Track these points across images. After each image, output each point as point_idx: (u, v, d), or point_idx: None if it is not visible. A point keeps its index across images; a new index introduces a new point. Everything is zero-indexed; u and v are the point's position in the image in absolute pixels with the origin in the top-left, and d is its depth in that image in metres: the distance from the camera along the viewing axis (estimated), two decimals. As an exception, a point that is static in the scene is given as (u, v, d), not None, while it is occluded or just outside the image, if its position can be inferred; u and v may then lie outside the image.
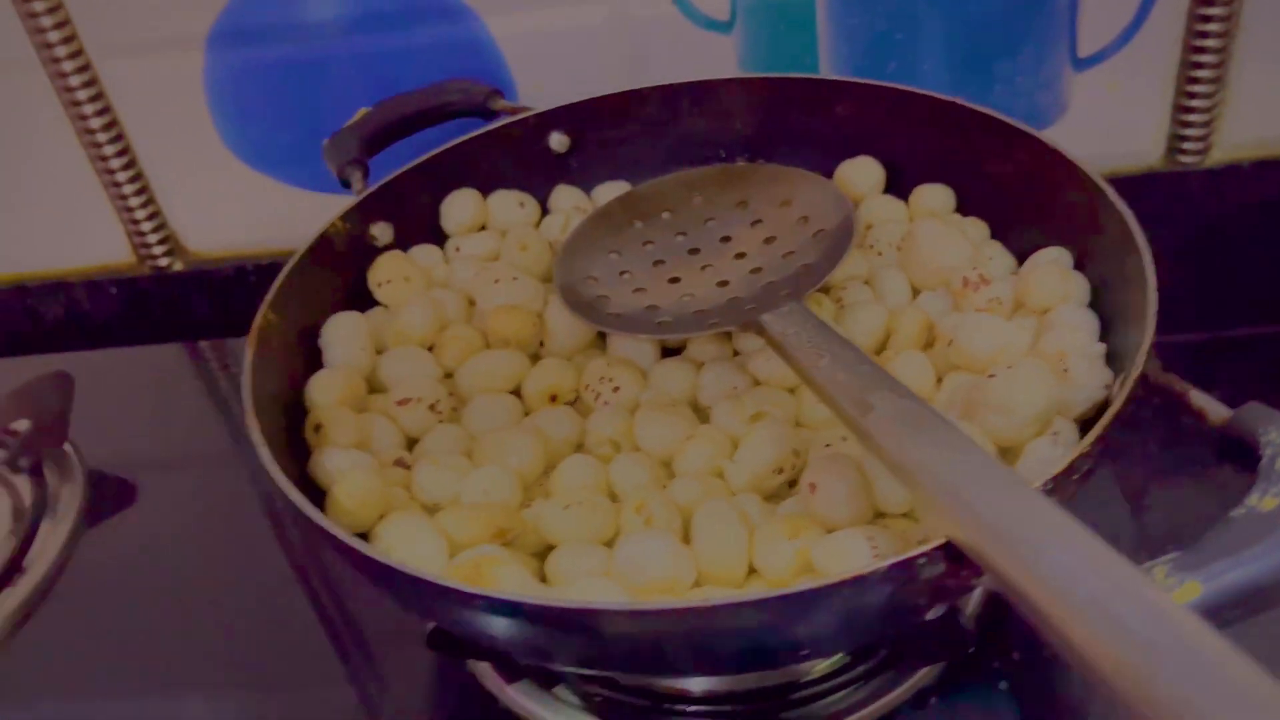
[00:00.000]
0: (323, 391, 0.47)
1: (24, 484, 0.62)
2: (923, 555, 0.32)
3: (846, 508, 0.39)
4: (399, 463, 0.46)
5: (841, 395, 0.37)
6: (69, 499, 0.61)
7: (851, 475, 0.39)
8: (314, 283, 0.51)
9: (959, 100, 0.53)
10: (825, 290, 0.51)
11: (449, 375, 0.50)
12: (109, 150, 0.71)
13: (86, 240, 0.76)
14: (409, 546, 0.39)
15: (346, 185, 0.57)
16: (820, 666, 0.46)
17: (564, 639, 0.34)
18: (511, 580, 0.37)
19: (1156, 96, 0.67)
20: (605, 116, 0.59)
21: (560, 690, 0.47)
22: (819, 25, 0.64)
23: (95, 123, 0.70)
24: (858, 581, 0.32)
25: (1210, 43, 0.63)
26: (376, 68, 0.67)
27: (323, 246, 0.52)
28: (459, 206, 0.57)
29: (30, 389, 0.63)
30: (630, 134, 0.60)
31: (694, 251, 0.52)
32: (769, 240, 0.51)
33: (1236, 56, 0.65)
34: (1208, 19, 0.63)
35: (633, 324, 0.49)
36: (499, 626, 0.35)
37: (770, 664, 0.40)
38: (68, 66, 0.67)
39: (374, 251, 0.55)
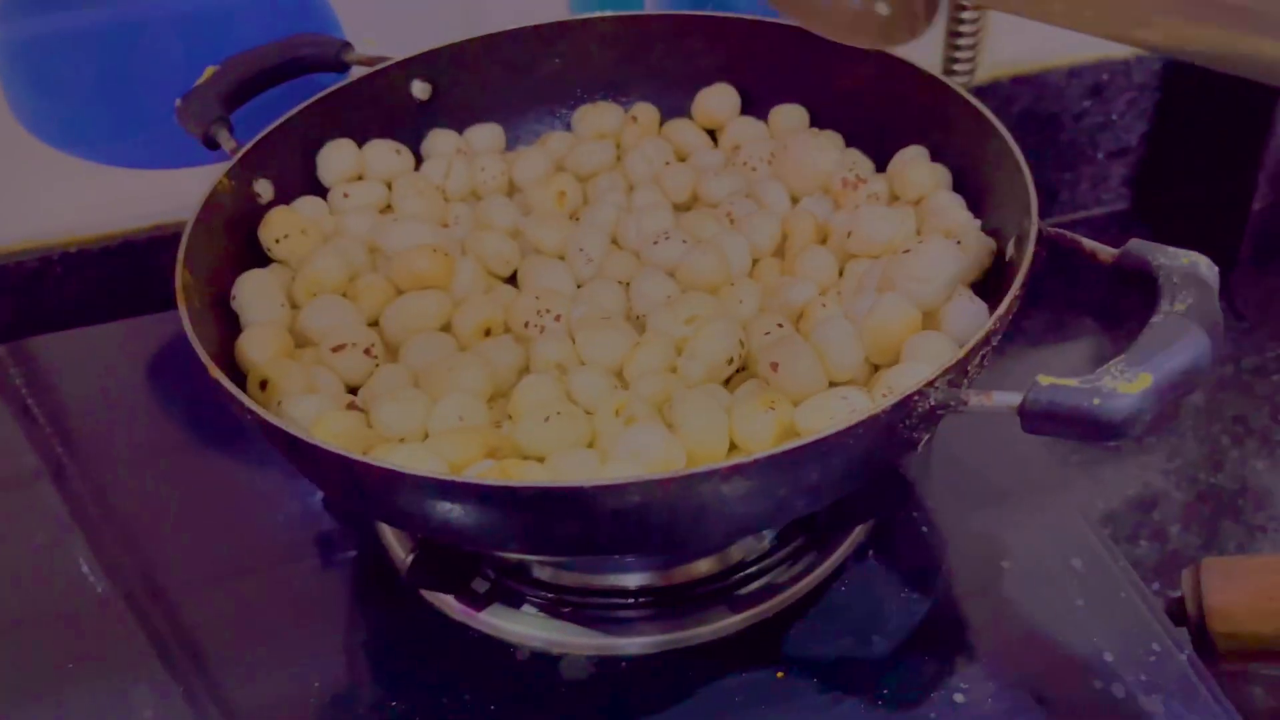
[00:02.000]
0: (256, 348, 0.46)
1: None
2: (929, 384, 0.37)
3: (809, 379, 0.43)
4: (350, 406, 0.45)
5: None
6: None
7: (807, 351, 0.43)
8: (211, 244, 0.49)
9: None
10: (713, 206, 0.55)
11: (371, 324, 0.50)
12: (-122, 140, 0.63)
13: None
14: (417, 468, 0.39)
15: (212, 145, 0.55)
16: (760, 547, 0.51)
17: (622, 518, 0.36)
18: (539, 476, 0.38)
19: (933, 28, 0.75)
20: (464, 62, 0.60)
21: (527, 607, 0.49)
22: (643, -32, 0.68)
23: None
24: (902, 404, 0.37)
25: (974, -26, 0.73)
26: (197, 30, 0.64)
27: (213, 205, 0.50)
28: (337, 157, 0.56)
29: None
30: (490, 78, 0.61)
31: None
32: None
33: (994, -14, 0.75)
34: (971, -47, 0.72)
35: None
36: (540, 519, 0.37)
37: (785, 517, 0.44)
38: None
39: (259, 209, 0.53)
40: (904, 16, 0.46)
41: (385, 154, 0.57)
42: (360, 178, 0.57)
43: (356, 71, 0.59)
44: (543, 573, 0.50)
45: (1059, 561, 0.50)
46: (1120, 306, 0.41)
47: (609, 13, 0.61)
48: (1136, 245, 0.41)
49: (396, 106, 0.59)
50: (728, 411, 0.43)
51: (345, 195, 0.55)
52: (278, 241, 0.52)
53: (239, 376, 0.47)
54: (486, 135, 0.60)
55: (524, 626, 0.48)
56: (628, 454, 0.40)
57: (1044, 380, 0.36)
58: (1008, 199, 0.48)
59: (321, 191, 0.57)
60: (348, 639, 0.50)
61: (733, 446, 0.43)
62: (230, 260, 0.51)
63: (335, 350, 0.47)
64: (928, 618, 0.48)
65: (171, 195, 0.69)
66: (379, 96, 0.59)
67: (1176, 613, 0.48)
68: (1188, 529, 0.64)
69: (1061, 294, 0.69)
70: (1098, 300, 0.67)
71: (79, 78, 0.64)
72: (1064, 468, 0.61)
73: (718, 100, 0.60)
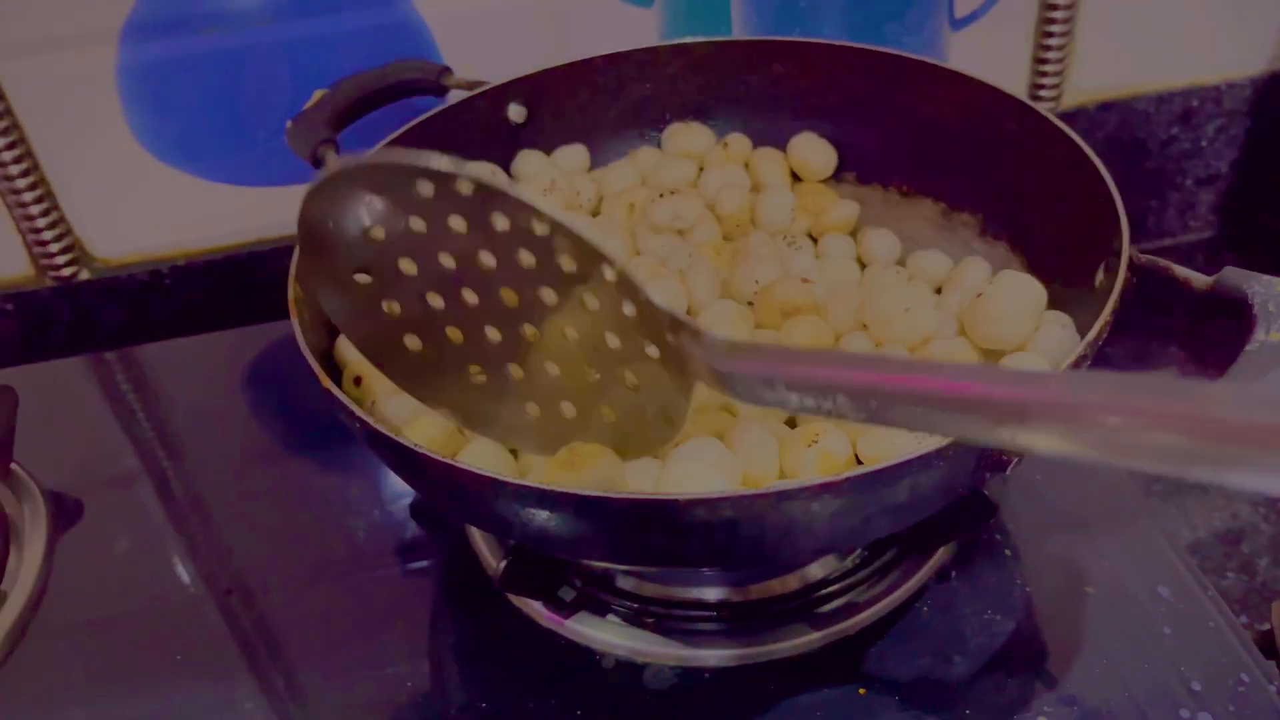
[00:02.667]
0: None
1: (-29, 509, 0.59)
2: None
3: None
4: None
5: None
6: (33, 521, 0.58)
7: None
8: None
9: (892, 51, 0.59)
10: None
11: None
12: (7, 157, 0.67)
13: (-23, 256, 0.71)
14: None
15: (319, 165, 0.57)
16: (842, 566, 0.51)
17: (712, 531, 0.37)
18: (609, 466, 0.40)
19: (1019, 52, 0.76)
20: (558, 86, 0.62)
21: (612, 617, 0.50)
22: (732, -4, 0.70)
23: (-8, 127, 0.66)
24: None
25: (1061, 2, 0.73)
26: (303, 55, 0.67)
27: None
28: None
29: (-30, 407, 0.59)
30: (582, 102, 0.63)
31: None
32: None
33: (1082, 15, 0.75)
34: (1059, -20, 0.72)
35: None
36: (632, 529, 0.38)
37: (871, 536, 0.45)
38: (-39, 68, 0.64)
39: (363, 226, 0.56)
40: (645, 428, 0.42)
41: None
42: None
43: (455, 95, 0.62)
44: (627, 583, 0.51)
45: (1146, 589, 0.49)
46: (1208, 335, 0.41)
47: (697, 38, 0.63)
48: (1231, 273, 0.41)
49: (493, 129, 0.61)
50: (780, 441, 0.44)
51: None
52: None
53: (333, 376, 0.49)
54: (572, 155, 0.61)
55: (609, 635, 0.49)
56: (683, 460, 0.42)
57: (1135, 405, 0.36)
58: (1098, 225, 0.48)
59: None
60: (437, 643, 0.52)
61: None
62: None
63: None
64: (1010, 640, 0.48)
65: (270, 211, 0.72)
66: (477, 119, 0.61)
67: (1267, 646, 0.48)
68: (1277, 562, 0.63)
69: (1147, 323, 0.68)
70: (1184, 329, 0.66)
71: (194, 99, 0.67)
72: (1147, 498, 0.60)
73: (812, 153, 0.61)
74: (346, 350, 0.49)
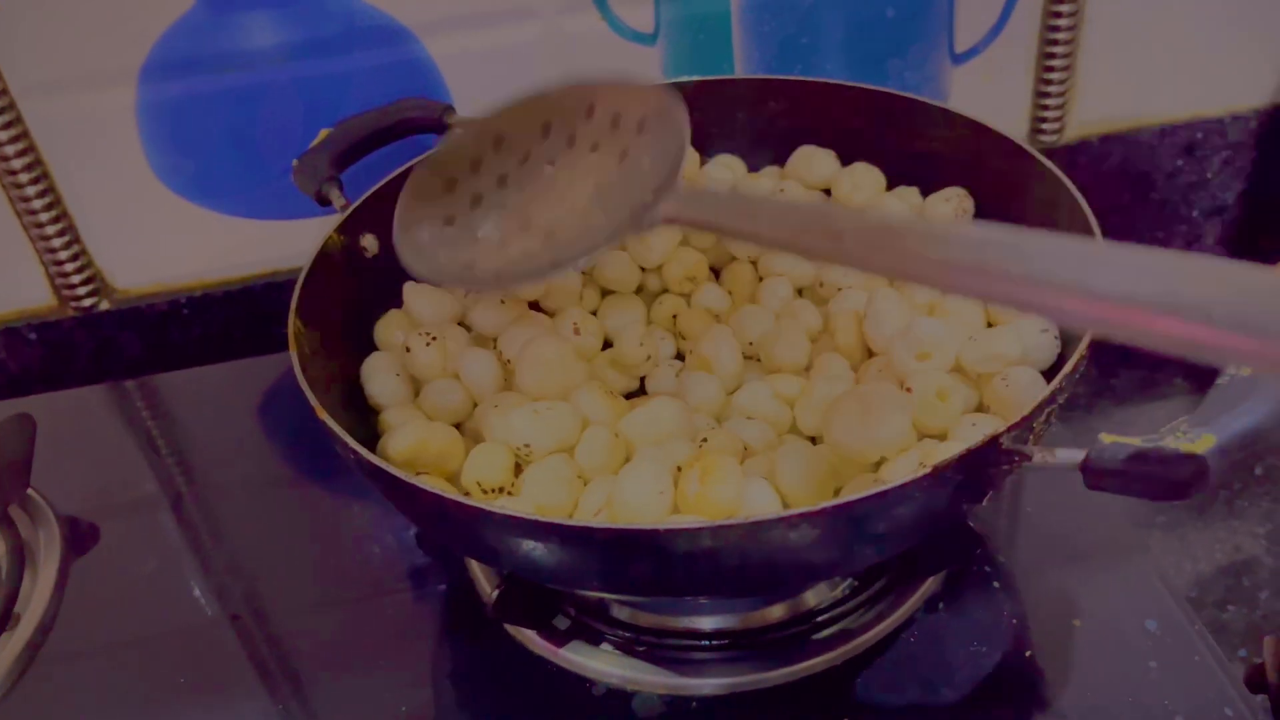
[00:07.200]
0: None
1: (-11, 533, 0.60)
2: (993, 439, 0.38)
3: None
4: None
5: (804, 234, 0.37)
6: (47, 545, 0.60)
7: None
8: (321, 293, 0.53)
9: (886, 89, 0.60)
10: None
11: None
12: (31, 191, 0.69)
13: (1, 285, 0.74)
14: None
15: (324, 203, 0.59)
16: (831, 595, 0.52)
17: (694, 561, 0.38)
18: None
19: (1020, 85, 0.77)
20: (558, 124, 0.63)
21: (605, 645, 0.51)
22: (734, 33, 0.71)
23: (17, 163, 0.68)
24: (966, 459, 0.38)
25: (1061, 36, 0.74)
26: (316, 93, 0.69)
27: (324, 259, 0.54)
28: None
29: (-11, 434, 0.61)
30: (582, 139, 0.64)
31: (529, 188, 0.48)
32: (594, 148, 0.47)
33: (1083, 48, 0.75)
34: (1058, 14, 0.73)
35: (526, 274, 0.46)
36: (616, 559, 0.39)
37: (853, 566, 0.47)
38: (-12, 107, 0.66)
39: (365, 262, 0.57)
40: None
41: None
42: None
43: (460, 132, 0.63)
44: (621, 613, 0.52)
45: (1134, 622, 0.50)
46: (1213, 366, 0.41)
47: (695, 77, 0.64)
48: (1206, 307, 0.41)
49: (495, 165, 0.63)
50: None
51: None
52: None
53: (353, 411, 0.51)
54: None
55: (601, 663, 0.50)
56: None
57: (1107, 439, 0.37)
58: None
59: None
60: (435, 668, 0.53)
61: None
62: (338, 307, 0.55)
63: None
64: (997, 672, 0.48)
65: (284, 244, 0.74)
66: (479, 156, 0.62)
67: (1256, 680, 0.48)
68: (1279, 595, 0.63)
69: (1151, 353, 0.68)
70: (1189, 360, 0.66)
71: (211, 136, 0.69)
72: (1147, 529, 0.60)
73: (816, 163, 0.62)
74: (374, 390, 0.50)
